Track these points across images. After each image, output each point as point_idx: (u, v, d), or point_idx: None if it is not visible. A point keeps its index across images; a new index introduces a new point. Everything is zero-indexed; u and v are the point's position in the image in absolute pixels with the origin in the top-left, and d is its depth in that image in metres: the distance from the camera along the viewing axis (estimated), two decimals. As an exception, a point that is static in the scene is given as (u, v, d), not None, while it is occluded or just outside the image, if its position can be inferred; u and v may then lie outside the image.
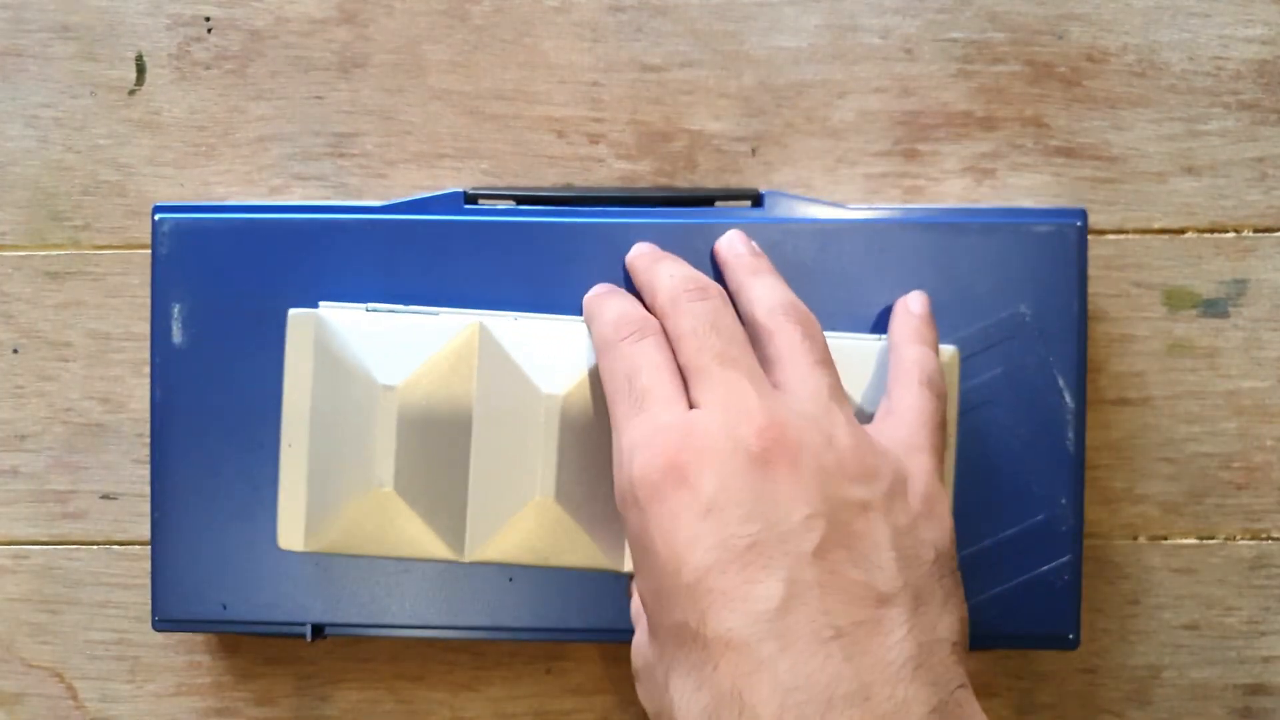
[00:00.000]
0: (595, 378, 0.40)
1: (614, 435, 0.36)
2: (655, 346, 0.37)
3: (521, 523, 0.39)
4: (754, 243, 0.42)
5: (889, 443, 0.36)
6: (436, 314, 0.41)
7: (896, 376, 0.39)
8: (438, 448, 0.40)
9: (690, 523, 0.32)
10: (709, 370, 0.35)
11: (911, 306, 0.41)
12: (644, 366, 0.36)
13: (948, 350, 0.41)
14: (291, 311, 0.40)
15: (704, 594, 0.32)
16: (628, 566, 0.40)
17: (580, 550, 0.40)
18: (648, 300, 0.39)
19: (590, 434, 0.40)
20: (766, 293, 0.39)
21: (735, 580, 0.31)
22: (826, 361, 0.37)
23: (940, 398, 0.39)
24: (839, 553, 0.32)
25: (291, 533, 0.40)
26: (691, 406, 0.35)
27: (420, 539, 0.40)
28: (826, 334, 0.40)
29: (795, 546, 0.32)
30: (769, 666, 0.30)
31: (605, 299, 0.40)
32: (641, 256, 0.41)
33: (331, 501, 0.40)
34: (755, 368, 0.36)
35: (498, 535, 0.40)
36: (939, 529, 0.35)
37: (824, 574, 0.32)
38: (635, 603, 0.38)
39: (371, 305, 0.41)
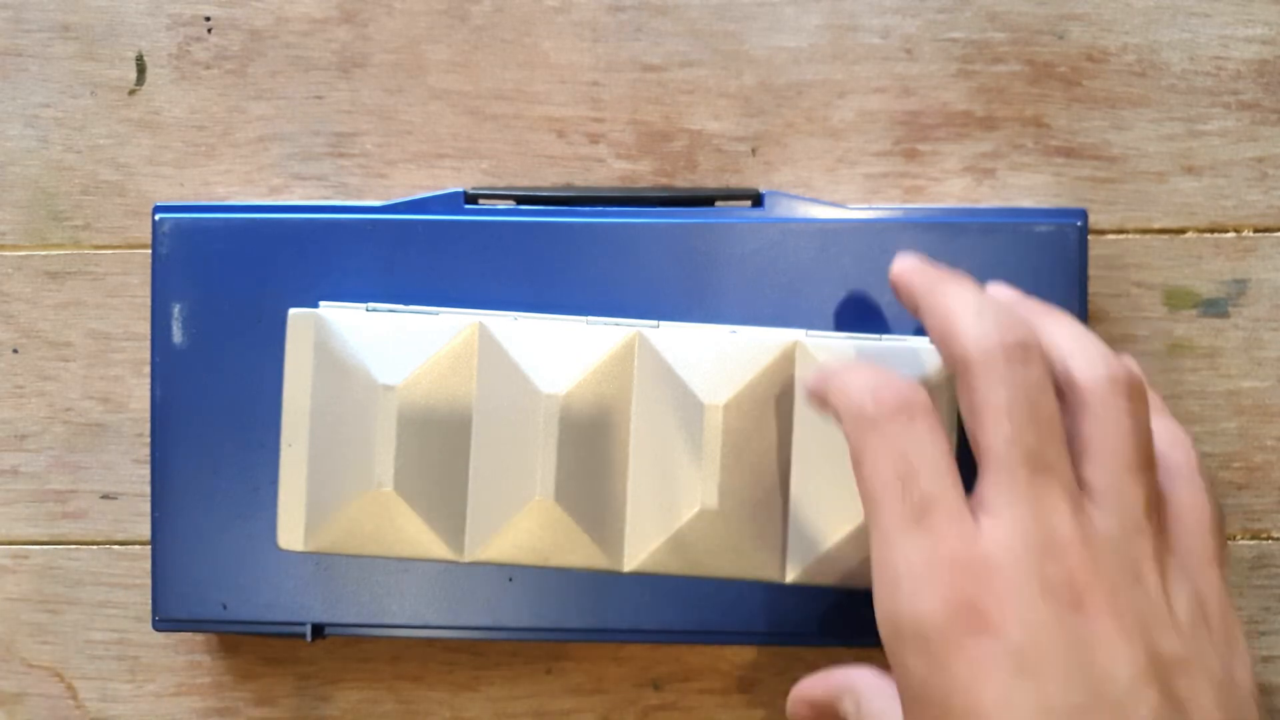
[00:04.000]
0: (596, 378, 0.40)
1: (876, 543, 0.29)
2: (931, 433, 0.29)
3: (521, 523, 0.39)
4: None
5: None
6: (436, 314, 0.41)
7: (1168, 471, 0.32)
8: (438, 448, 0.40)
9: (1001, 680, 0.26)
10: (1015, 475, 0.28)
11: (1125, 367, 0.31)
12: (923, 465, 0.29)
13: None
14: (291, 311, 0.40)
15: None
16: (629, 567, 0.40)
17: (580, 550, 0.40)
18: (939, 336, 0.31)
19: (590, 434, 0.40)
20: (1088, 350, 0.31)
21: None
22: (1149, 461, 0.30)
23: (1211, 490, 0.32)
24: None
25: (291, 532, 0.40)
26: (977, 506, 0.29)
27: (420, 539, 0.40)
28: (826, 334, 0.40)
29: (1129, 716, 0.26)
30: None
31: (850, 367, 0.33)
32: (920, 273, 0.33)
33: (331, 501, 0.40)
34: (1070, 478, 0.29)
35: (498, 535, 0.40)
36: (1245, 665, 0.29)
37: None
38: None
39: (371, 305, 0.41)
